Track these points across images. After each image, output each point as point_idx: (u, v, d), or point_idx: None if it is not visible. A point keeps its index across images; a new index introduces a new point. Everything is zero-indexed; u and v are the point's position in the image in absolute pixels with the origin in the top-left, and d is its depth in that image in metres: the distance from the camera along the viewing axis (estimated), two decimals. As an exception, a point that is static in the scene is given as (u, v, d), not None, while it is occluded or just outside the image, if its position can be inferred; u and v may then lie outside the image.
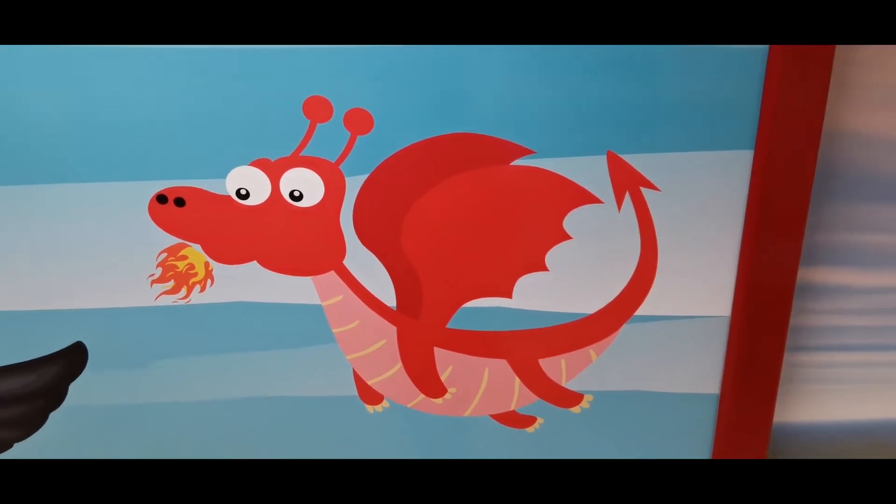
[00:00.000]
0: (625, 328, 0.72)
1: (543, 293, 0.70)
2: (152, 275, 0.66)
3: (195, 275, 0.66)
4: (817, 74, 0.62)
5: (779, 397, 0.85)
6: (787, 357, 0.86)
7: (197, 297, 0.67)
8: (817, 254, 0.81)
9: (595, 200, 0.66)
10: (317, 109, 0.61)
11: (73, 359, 0.69)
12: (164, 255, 0.66)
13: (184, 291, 0.67)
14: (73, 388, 0.70)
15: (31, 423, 0.71)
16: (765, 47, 0.60)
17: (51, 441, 0.72)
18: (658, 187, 0.66)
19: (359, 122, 0.62)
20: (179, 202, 0.64)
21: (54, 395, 0.70)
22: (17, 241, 0.65)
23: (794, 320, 0.84)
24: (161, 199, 0.63)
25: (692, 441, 0.78)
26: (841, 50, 0.70)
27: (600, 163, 0.65)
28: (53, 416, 0.71)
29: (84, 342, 0.68)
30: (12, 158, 0.61)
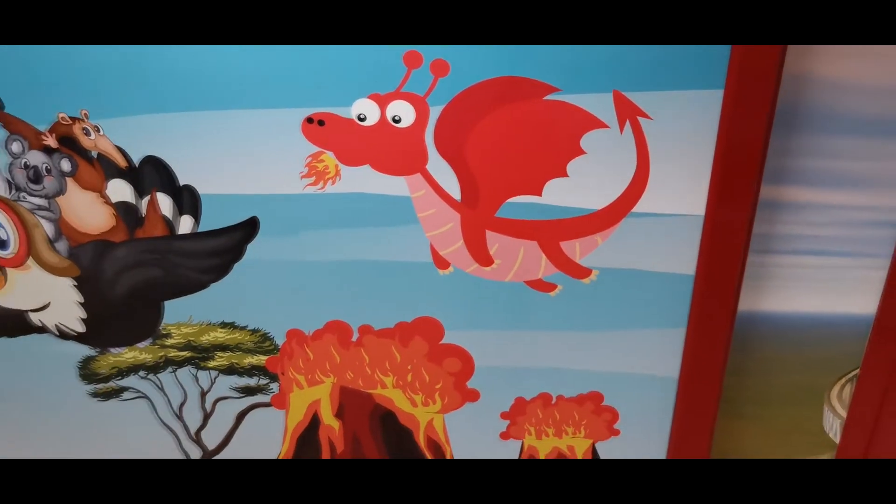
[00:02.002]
0: (624, 221, 1.00)
1: (564, 193, 0.99)
2: (301, 172, 1.00)
3: (328, 173, 1.00)
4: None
5: (749, 290, 1.11)
6: (758, 258, 1.10)
7: (329, 189, 1.01)
8: (784, 175, 1.04)
9: (603, 125, 0.93)
10: (411, 59, 0.91)
11: (249, 228, 1.05)
12: (309, 159, 0.99)
13: (321, 184, 1.01)
14: (250, 247, 1.06)
15: (222, 271, 1.09)
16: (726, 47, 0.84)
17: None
18: (650, 116, 0.92)
19: (439, 68, 0.92)
20: (321, 122, 0.96)
21: (237, 252, 1.07)
22: (219, 152, 1.00)
23: (764, 229, 1.08)
24: (309, 120, 0.96)
25: (672, 311, 1.06)
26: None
27: (608, 98, 0.92)
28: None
29: (257, 216, 1.04)
30: (225, 95, 0.96)
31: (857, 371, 1.20)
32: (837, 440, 1.26)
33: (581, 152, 0.96)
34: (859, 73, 0.99)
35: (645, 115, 0.93)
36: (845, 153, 1.04)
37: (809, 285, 1.14)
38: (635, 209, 0.99)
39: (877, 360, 1.18)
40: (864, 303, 1.14)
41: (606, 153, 0.96)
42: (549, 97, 0.93)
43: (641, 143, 0.95)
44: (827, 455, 1.27)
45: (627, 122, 0.93)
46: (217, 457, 1.27)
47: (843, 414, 1.24)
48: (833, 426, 1.26)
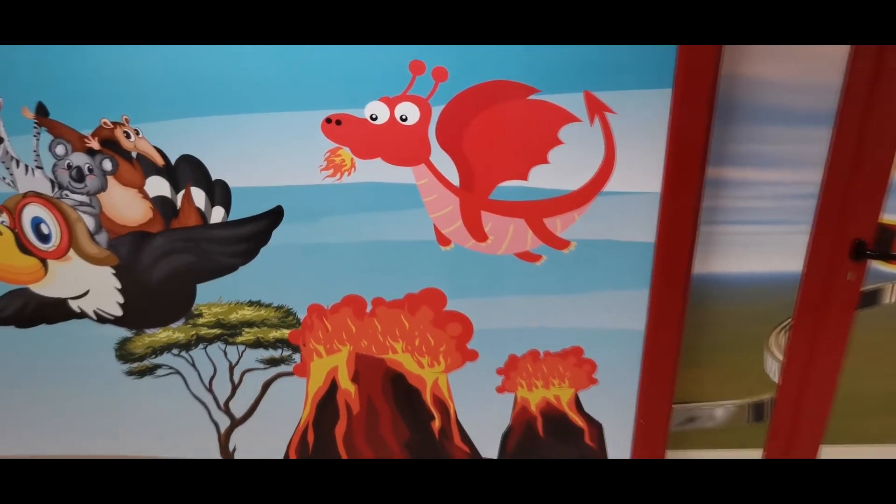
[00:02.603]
0: (596, 199, 1.19)
1: (546, 177, 1.17)
2: (321, 165, 1.16)
3: (345, 165, 1.16)
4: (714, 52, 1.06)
5: (701, 256, 1.33)
6: (708, 228, 1.32)
7: (345, 179, 1.17)
8: (726, 158, 1.26)
9: (576, 120, 1.12)
10: (416, 67, 1.08)
11: (275, 215, 1.20)
12: (328, 154, 1.15)
13: (338, 176, 1.17)
14: (275, 233, 1.21)
15: (250, 255, 1.23)
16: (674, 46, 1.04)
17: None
18: (615, 111, 1.12)
19: (439, 74, 1.09)
20: (338, 122, 1.12)
21: (264, 237, 1.22)
22: (248, 150, 1.15)
23: (712, 202, 1.29)
24: (328, 120, 1.12)
25: (637, 274, 1.26)
26: (735, 25, 1.12)
27: (580, 97, 1.11)
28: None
29: (282, 205, 1.19)
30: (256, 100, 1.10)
31: (790, 321, 1.44)
32: (776, 380, 1.50)
33: (559, 142, 1.15)
34: (780, 73, 1.21)
35: (610, 111, 1.12)
36: (772, 139, 1.26)
37: (749, 250, 1.37)
38: (604, 189, 1.19)
39: (805, 311, 1.41)
40: (792, 263, 1.37)
41: (579, 143, 1.15)
42: (531, 97, 1.11)
43: (608, 134, 1.14)
44: (768, 394, 1.51)
45: (596, 117, 1.13)
46: (243, 424, 1.41)
47: (781, 357, 1.47)
48: (772, 368, 1.49)
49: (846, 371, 1.49)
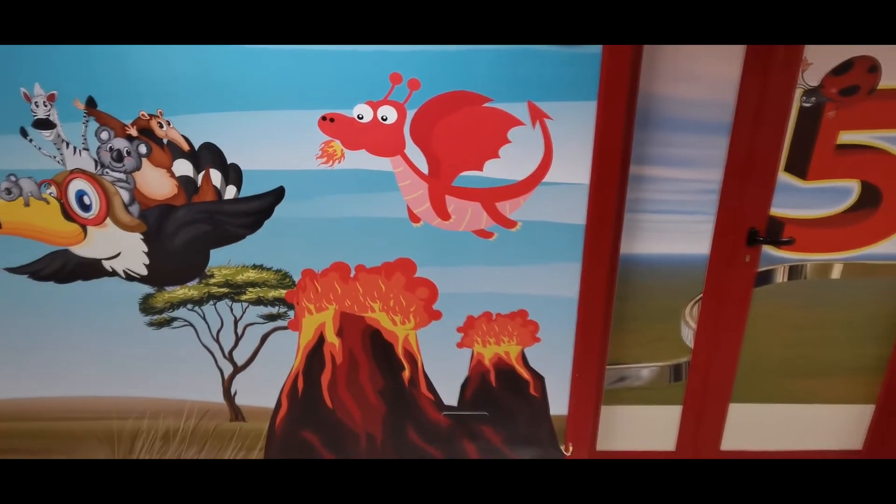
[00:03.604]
0: (537, 188, 1.48)
1: (497, 169, 1.46)
2: (316, 154, 1.44)
3: (336, 155, 1.44)
4: (634, 65, 1.36)
5: (627, 238, 1.62)
6: (632, 216, 1.62)
7: (336, 166, 1.45)
8: (645, 158, 1.56)
9: (521, 123, 1.41)
10: (395, 78, 1.37)
11: (277, 194, 1.47)
12: (323, 145, 1.43)
13: (331, 163, 1.44)
14: (277, 209, 1.49)
15: (256, 226, 1.50)
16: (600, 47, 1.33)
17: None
18: (552, 117, 1.41)
19: (413, 84, 1.37)
20: (332, 120, 1.40)
21: (268, 212, 1.49)
22: (258, 140, 1.42)
23: (635, 195, 1.59)
24: (323, 118, 1.40)
25: (571, 250, 1.55)
26: (650, 47, 1.43)
27: (524, 106, 1.40)
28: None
29: (284, 186, 1.46)
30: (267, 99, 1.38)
31: (701, 295, 1.74)
32: (691, 345, 1.80)
33: (507, 142, 1.44)
34: (687, 92, 1.52)
35: (548, 117, 1.41)
36: (682, 144, 1.57)
37: (666, 235, 1.67)
38: (544, 180, 1.48)
39: (712, 287, 1.71)
40: (701, 246, 1.67)
41: (524, 142, 1.44)
42: (486, 104, 1.40)
43: (547, 136, 1.43)
44: (685, 357, 1.81)
45: (538, 122, 1.42)
46: (244, 371, 1.68)
47: (694, 326, 1.77)
48: (687, 335, 1.79)
49: (747, 340, 1.79)
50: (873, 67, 1.51)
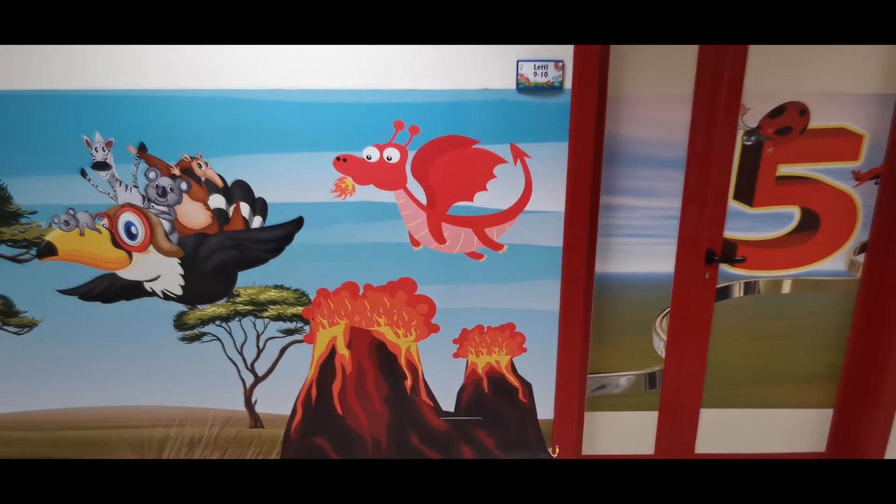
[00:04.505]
0: (520, 216, 1.73)
1: (486, 200, 1.71)
2: (331, 189, 1.69)
3: (348, 189, 1.69)
4: (599, 112, 1.62)
5: (601, 259, 1.86)
6: (605, 239, 1.86)
7: (348, 199, 1.70)
8: (616, 190, 1.81)
9: (505, 161, 1.67)
10: (398, 125, 1.63)
11: (297, 223, 1.72)
12: (336, 180, 1.68)
13: (344, 196, 1.69)
14: (297, 236, 1.73)
15: (278, 251, 1.74)
16: (568, 91, 1.60)
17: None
18: (530, 156, 1.67)
19: (413, 130, 1.64)
20: (344, 160, 1.66)
21: (288, 239, 1.73)
22: (281, 177, 1.67)
23: (607, 221, 1.84)
24: (338, 158, 1.66)
25: (551, 269, 1.78)
26: (613, 88, 1.70)
27: (507, 147, 1.66)
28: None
29: (303, 216, 1.71)
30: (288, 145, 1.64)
31: (668, 308, 1.96)
32: (663, 355, 2.00)
33: (493, 177, 1.69)
34: (648, 134, 1.78)
35: (528, 156, 1.67)
36: (646, 177, 1.82)
37: (636, 256, 1.90)
38: (526, 209, 1.73)
39: (678, 302, 1.94)
40: (666, 265, 1.91)
41: (508, 177, 1.69)
42: (475, 146, 1.66)
43: (527, 171, 1.69)
44: (658, 366, 2.01)
45: (519, 160, 1.68)
46: (264, 381, 1.88)
47: (664, 337, 1.99)
48: (659, 346, 2.00)
49: (713, 350, 2.01)
50: (803, 111, 1.78)
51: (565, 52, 1.62)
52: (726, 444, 2.11)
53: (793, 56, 1.74)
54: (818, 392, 2.06)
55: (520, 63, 1.61)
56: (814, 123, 1.79)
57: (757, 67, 1.75)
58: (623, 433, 2.08)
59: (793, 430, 2.10)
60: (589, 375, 2.02)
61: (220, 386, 1.89)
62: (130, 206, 1.72)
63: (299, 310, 1.82)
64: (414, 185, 1.71)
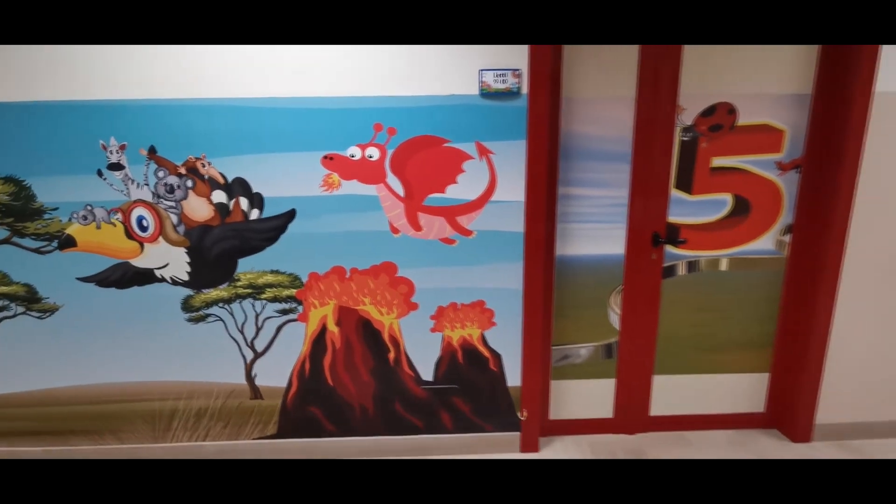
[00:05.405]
0: (487, 205, 1.97)
1: (456, 192, 1.95)
2: (320, 184, 1.92)
3: (335, 184, 1.92)
4: (551, 113, 1.87)
5: (561, 243, 2.11)
6: (563, 225, 2.10)
7: (335, 192, 1.93)
8: (572, 181, 2.06)
9: (472, 158, 1.91)
10: (377, 127, 1.87)
11: (290, 215, 1.95)
12: (324, 176, 1.91)
13: (331, 190, 1.92)
14: (291, 226, 1.95)
15: (274, 240, 1.97)
16: (524, 97, 1.85)
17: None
18: (494, 152, 1.91)
19: (391, 131, 1.88)
20: (331, 158, 1.89)
21: (283, 229, 1.96)
22: (276, 173, 1.90)
23: (565, 209, 2.08)
24: (325, 157, 1.89)
25: (514, 252, 2.02)
26: (567, 91, 1.95)
27: (473, 145, 1.90)
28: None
29: (295, 208, 1.94)
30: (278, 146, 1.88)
31: (621, 286, 2.21)
32: (618, 328, 2.26)
33: (462, 171, 1.93)
34: (597, 131, 2.03)
35: (492, 153, 1.92)
36: (597, 170, 2.07)
37: (591, 240, 2.15)
38: (492, 199, 1.97)
39: (629, 280, 2.19)
40: (618, 247, 2.16)
41: (475, 171, 1.94)
42: (445, 144, 1.90)
43: (491, 167, 1.93)
44: (613, 338, 2.26)
45: (484, 156, 1.92)
46: (262, 357, 2.10)
47: (619, 311, 2.24)
48: (614, 319, 2.25)
49: (662, 322, 2.26)
50: (731, 110, 2.04)
51: (522, 62, 1.86)
52: (677, 406, 2.37)
53: (721, 62, 2.00)
54: (756, 358, 2.32)
55: (482, 72, 1.85)
56: (741, 121, 2.06)
57: (690, 72, 2.01)
58: (585, 399, 2.34)
59: (735, 393, 2.36)
60: (553, 347, 2.27)
61: (224, 362, 2.11)
62: (142, 202, 1.94)
63: (293, 292, 2.05)
64: (393, 180, 1.94)
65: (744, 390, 2.36)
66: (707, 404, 2.37)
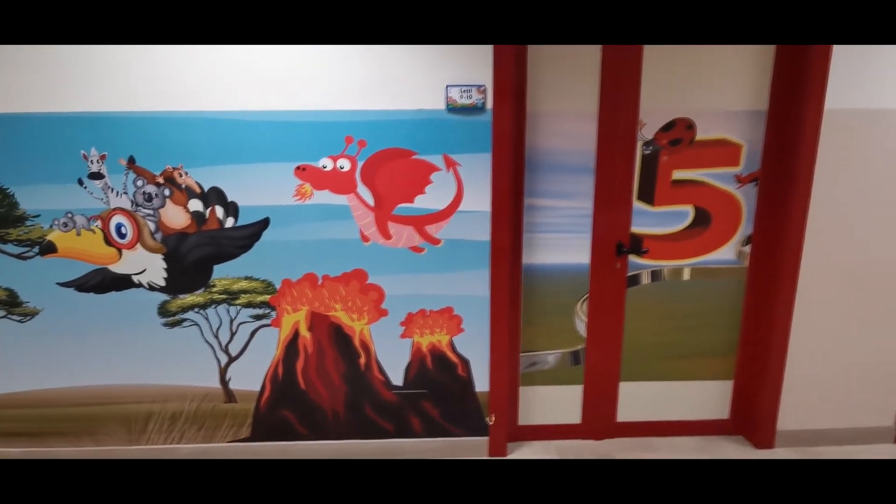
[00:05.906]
0: (454, 215, 2.04)
1: (424, 202, 2.03)
2: (293, 193, 1.99)
3: (307, 194, 2.00)
4: (515, 127, 1.95)
5: (528, 252, 2.18)
6: (530, 235, 2.18)
7: (307, 202, 2.00)
8: (538, 193, 2.13)
9: (439, 169, 1.99)
10: (348, 140, 1.95)
11: (264, 223, 2.02)
12: (297, 186, 1.99)
13: (303, 200, 2.00)
14: (264, 234, 2.02)
15: (248, 248, 2.03)
16: (489, 112, 1.93)
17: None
18: (461, 164, 1.99)
19: (362, 144, 1.96)
20: (304, 169, 1.97)
21: (257, 236, 2.03)
22: (251, 183, 1.98)
23: (531, 219, 2.16)
24: (298, 168, 1.97)
25: (481, 260, 2.09)
26: (532, 106, 2.03)
27: (441, 157, 1.98)
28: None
29: (269, 217, 2.01)
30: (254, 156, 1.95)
31: (587, 294, 2.27)
32: (584, 335, 2.32)
33: (430, 182, 2.01)
34: (562, 145, 2.12)
35: (459, 164, 1.99)
36: (562, 182, 2.15)
37: (557, 249, 2.23)
38: (459, 209, 2.04)
39: (594, 288, 2.26)
40: (583, 256, 2.23)
41: (442, 182, 2.01)
42: (414, 156, 1.98)
43: (458, 178, 2.01)
44: (580, 345, 2.32)
45: (451, 168, 2.00)
46: (236, 361, 2.16)
47: (585, 319, 2.30)
48: (581, 327, 2.31)
49: (626, 330, 2.32)
50: (690, 125, 2.13)
51: (486, 78, 1.95)
52: (644, 413, 2.42)
53: (680, 79, 2.09)
54: (719, 365, 2.38)
55: (448, 87, 1.94)
56: (700, 135, 2.14)
57: (650, 89, 2.10)
58: (554, 405, 2.39)
59: (700, 400, 2.41)
60: (522, 354, 2.33)
61: (198, 366, 2.17)
62: (121, 210, 2.01)
63: (267, 298, 2.11)
64: (363, 190, 2.02)
65: (709, 397, 2.41)
66: (673, 411, 2.42)
